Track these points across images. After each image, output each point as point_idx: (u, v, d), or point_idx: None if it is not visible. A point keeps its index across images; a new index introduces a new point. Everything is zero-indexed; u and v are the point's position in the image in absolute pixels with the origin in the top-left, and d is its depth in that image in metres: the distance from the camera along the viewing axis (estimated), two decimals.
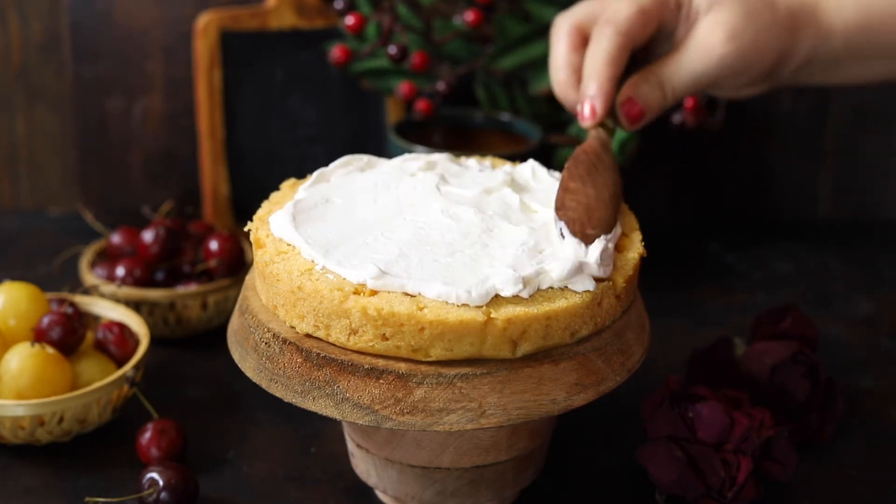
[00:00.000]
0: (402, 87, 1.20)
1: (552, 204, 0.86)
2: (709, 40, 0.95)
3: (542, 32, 1.22)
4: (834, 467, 0.96)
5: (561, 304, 0.77)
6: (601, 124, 0.94)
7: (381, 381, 0.77)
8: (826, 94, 1.34)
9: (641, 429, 0.93)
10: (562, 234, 0.82)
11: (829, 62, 1.00)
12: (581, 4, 0.99)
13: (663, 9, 0.97)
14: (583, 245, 0.80)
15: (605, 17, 0.96)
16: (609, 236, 0.82)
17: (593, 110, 0.93)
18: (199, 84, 1.25)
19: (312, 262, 0.80)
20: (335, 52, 1.18)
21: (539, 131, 1.16)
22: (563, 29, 0.98)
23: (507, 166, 0.94)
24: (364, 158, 0.93)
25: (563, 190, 0.86)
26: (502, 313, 0.76)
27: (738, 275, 1.27)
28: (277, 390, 0.80)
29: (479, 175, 0.91)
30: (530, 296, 0.77)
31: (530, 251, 0.80)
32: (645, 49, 1.00)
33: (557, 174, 0.92)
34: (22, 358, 0.94)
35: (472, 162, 0.94)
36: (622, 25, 0.94)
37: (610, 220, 0.84)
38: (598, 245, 0.80)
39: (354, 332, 0.77)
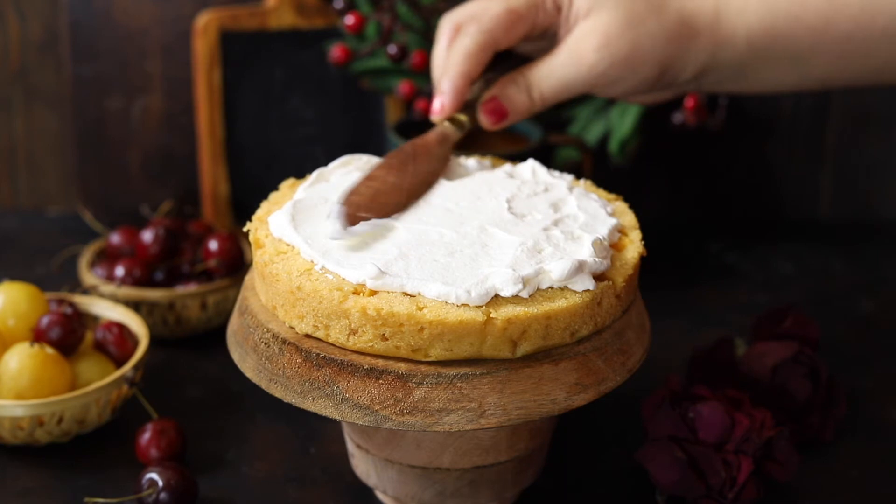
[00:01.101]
0: (402, 86, 1.20)
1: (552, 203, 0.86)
2: (580, 47, 0.93)
3: None
4: (835, 468, 0.96)
5: (561, 303, 0.77)
6: (452, 119, 0.93)
7: (380, 381, 0.76)
8: (826, 94, 1.34)
9: (641, 429, 0.93)
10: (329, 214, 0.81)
11: (735, 69, 0.96)
12: (465, 4, 0.98)
13: (537, 10, 0.95)
14: (338, 223, 0.80)
15: (473, 15, 0.95)
16: (378, 221, 0.81)
17: (442, 105, 0.93)
18: (199, 84, 1.25)
19: (311, 262, 0.80)
20: (335, 51, 1.18)
21: (539, 131, 1.16)
22: (444, 27, 0.97)
23: (506, 166, 0.94)
24: (364, 158, 0.93)
25: (366, 177, 0.86)
26: (502, 313, 0.76)
27: (738, 275, 1.27)
28: (277, 391, 0.80)
29: (479, 175, 0.91)
30: (530, 296, 0.77)
31: (530, 251, 0.80)
32: (528, 50, 0.99)
33: (557, 174, 0.92)
34: (21, 358, 0.94)
35: (472, 162, 0.94)
36: (486, 24, 0.93)
37: (393, 206, 0.84)
38: (361, 227, 0.80)
39: (354, 332, 0.77)
